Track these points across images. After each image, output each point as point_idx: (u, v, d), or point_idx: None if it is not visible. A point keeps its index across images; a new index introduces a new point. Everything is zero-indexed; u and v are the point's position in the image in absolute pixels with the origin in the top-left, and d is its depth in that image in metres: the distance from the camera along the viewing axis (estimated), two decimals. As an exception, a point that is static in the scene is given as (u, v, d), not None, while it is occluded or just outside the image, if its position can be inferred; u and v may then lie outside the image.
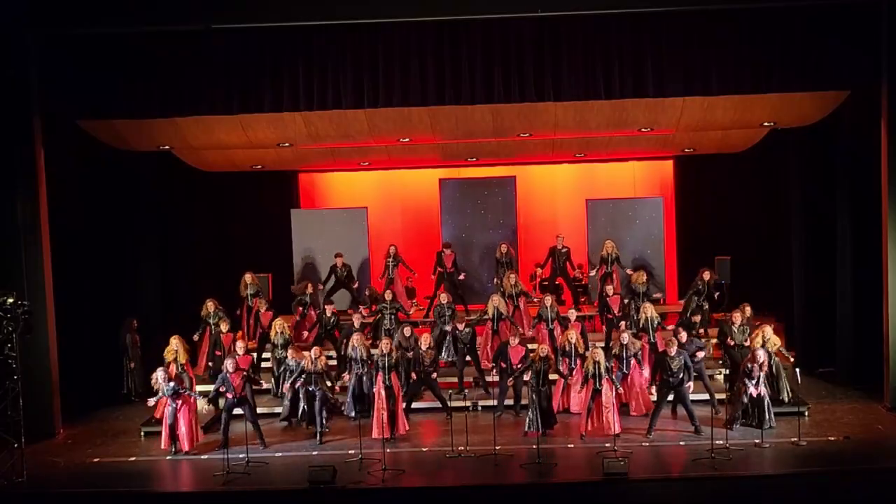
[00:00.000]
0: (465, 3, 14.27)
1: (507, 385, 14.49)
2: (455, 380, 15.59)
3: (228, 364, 13.66)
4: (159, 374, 13.64)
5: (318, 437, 13.85)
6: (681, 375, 13.56)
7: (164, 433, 13.70)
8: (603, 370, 13.52)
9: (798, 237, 17.41)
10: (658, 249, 19.04)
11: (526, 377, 13.90)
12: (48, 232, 14.66)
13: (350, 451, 13.25)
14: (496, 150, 18.86)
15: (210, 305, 16.34)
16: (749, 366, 13.57)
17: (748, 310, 15.59)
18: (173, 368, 14.22)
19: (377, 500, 12.05)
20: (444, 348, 15.76)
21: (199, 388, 15.82)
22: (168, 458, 13.46)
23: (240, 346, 14.65)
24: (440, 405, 14.68)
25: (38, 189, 14.49)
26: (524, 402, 14.32)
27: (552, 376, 14.12)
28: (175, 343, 14.76)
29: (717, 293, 17.00)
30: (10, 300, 12.60)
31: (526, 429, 13.59)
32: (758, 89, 14.54)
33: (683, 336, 14.36)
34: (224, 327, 15.84)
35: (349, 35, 14.53)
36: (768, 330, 14.45)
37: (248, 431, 13.31)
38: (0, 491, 12.31)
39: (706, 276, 16.90)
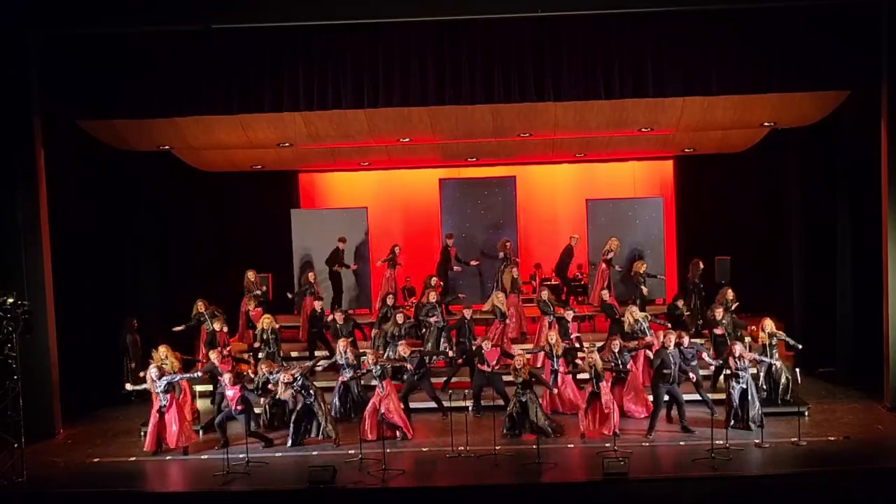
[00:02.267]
0: (465, 3, 14.27)
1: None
2: (468, 379, 15.61)
3: (226, 378, 13.53)
4: (152, 372, 13.55)
5: (288, 441, 13.82)
6: (676, 372, 13.58)
7: (150, 435, 13.58)
8: (600, 371, 13.53)
9: (798, 237, 17.41)
10: (658, 249, 19.04)
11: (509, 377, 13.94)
12: (48, 232, 14.66)
13: (350, 451, 13.25)
14: (496, 150, 18.86)
15: (200, 305, 16.29)
16: (733, 363, 13.55)
17: (730, 293, 15.92)
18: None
19: (377, 500, 12.04)
20: (440, 344, 15.96)
21: (198, 387, 15.89)
22: (168, 457, 13.45)
23: (214, 356, 14.47)
24: (441, 406, 14.70)
25: (38, 189, 14.50)
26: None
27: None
28: (164, 352, 14.35)
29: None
30: (10, 300, 12.60)
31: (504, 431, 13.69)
32: (758, 89, 14.54)
33: (686, 340, 14.10)
34: (218, 326, 15.78)
35: (349, 35, 14.54)
36: (768, 322, 14.47)
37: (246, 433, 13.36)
38: (0, 491, 12.31)
39: (700, 266, 17.29)
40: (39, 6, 14.20)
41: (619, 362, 14.03)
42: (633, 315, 15.20)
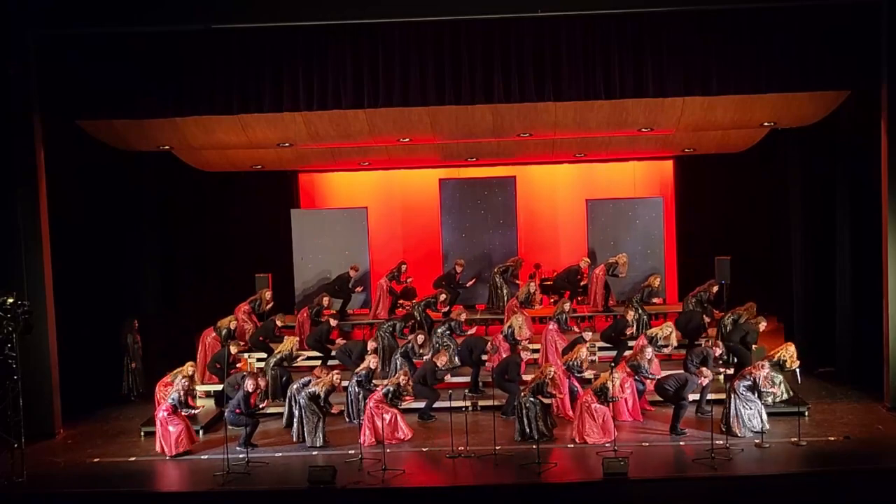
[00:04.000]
0: (465, 3, 14.27)
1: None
2: (467, 379, 15.67)
3: (249, 384, 13.67)
4: (184, 383, 13.72)
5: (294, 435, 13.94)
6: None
7: (176, 438, 13.54)
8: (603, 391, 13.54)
9: (798, 237, 17.41)
10: (658, 249, 19.03)
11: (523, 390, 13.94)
12: (48, 232, 14.66)
13: (350, 452, 13.26)
14: (496, 150, 18.86)
15: (232, 323, 16.42)
16: (753, 377, 13.51)
17: (753, 309, 15.83)
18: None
19: (377, 500, 12.05)
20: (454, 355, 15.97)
21: (198, 387, 15.88)
22: (168, 458, 13.45)
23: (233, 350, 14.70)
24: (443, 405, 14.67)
25: (38, 189, 14.50)
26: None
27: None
28: (191, 370, 14.42)
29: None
30: (10, 300, 12.61)
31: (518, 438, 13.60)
32: (758, 89, 14.53)
33: (706, 379, 13.86)
34: (234, 349, 15.79)
35: (349, 35, 14.53)
36: (792, 349, 14.49)
37: (245, 432, 13.42)
38: (0, 491, 12.31)
39: (714, 289, 16.94)
40: (39, 6, 14.20)
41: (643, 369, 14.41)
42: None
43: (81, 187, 16.30)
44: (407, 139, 17.11)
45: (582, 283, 19.14)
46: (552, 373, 13.76)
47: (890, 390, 14.47)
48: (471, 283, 18.90)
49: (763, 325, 15.55)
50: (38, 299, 14.12)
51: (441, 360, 14.78)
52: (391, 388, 13.88)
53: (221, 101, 14.77)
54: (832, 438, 13.32)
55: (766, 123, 16.46)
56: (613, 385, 13.54)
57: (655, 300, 17.54)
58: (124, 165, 17.30)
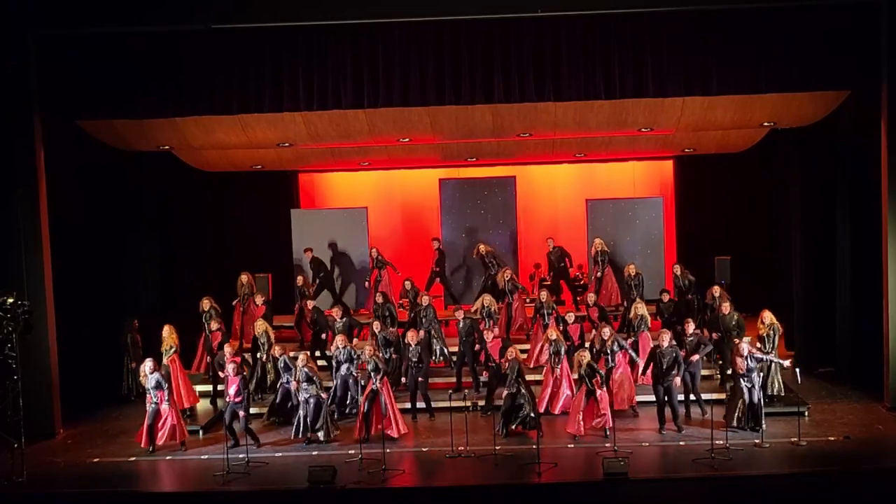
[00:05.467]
0: (465, 3, 14.29)
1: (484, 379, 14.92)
2: (453, 380, 15.66)
3: (230, 368, 13.64)
4: (147, 365, 13.61)
5: (323, 438, 13.86)
6: (672, 371, 13.67)
7: (143, 429, 13.56)
8: (591, 371, 13.50)
9: (798, 237, 17.41)
10: (658, 249, 19.06)
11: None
12: (48, 232, 14.67)
13: (350, 451, 13.26)
14: (496, 150, 18.88)
15: (205, 303, 16.34)
16: (742, 363, 13.52)
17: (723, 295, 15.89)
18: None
19: (377, 500, 12.05)
20: (434, 349, 15.89)
21: (198, 388, 15.89)
22: (168, 457, 13.46)
23: (228, 351, 14.64)
24: (443, 405, 14.69)
25: (38, 189, 14.51)
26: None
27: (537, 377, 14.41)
28: (167, 331, 14.86)
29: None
30: (10, 300, 12.63)
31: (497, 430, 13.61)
32: (758, 89, 14.54)
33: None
34: (214, 325, 15.81)
35: (349, 35, 14.54)
36: (767, 314, 14.48)
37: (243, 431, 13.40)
38: (0, 491, 12.31)
39: (676, 268, 17.25)
40: (39, 6, 14.21)
41: (610, 351, 14.30)
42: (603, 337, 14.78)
43: (81, 187, 16.31)
44: (407, 139, 17.12)
45: (582, 283, 19.20)
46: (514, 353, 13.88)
47: (890, 390, 14.47)
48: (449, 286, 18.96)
49: (727, 307, 15.25)
50: (38, 299, 14.13)
51: (411, 338, 14.80)
52: (372, 364, 13.80)
53: (221, 101, 14.79)
54: (832, 438, 13.32)
55: (766, 123, 16.47)
56: (582, 365, 13.47)
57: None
58: (124, 165, 17.30)
